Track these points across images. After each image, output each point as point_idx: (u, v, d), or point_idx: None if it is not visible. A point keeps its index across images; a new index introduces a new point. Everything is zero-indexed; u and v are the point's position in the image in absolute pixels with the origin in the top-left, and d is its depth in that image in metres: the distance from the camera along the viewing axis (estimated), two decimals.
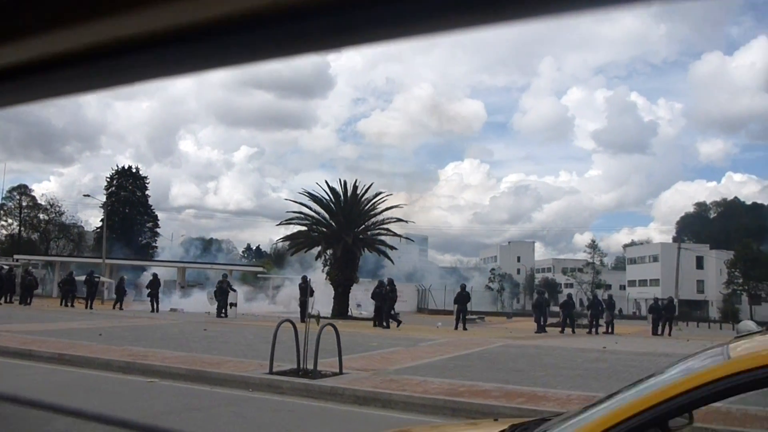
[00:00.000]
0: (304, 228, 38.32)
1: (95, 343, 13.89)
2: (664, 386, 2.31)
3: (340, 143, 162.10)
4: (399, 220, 37.92)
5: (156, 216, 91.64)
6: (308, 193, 37.12)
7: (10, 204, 63.50)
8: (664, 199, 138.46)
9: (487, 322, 38.86)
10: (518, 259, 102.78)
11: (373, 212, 37.06)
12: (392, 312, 26.51)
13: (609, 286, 67.94)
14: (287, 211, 39.25)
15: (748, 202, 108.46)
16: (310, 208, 37.33)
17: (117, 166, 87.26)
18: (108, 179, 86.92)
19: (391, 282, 28.04)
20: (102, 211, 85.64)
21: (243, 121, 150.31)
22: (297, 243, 38.83)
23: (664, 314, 29.51)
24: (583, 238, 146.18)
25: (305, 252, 39.93)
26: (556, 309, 34.60)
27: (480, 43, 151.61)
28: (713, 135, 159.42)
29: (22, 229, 63.57)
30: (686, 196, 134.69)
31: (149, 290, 29.06)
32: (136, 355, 12.08)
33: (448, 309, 45.72)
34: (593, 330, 27.57)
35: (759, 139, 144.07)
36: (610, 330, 27.95)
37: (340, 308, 35.29)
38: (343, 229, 35.94)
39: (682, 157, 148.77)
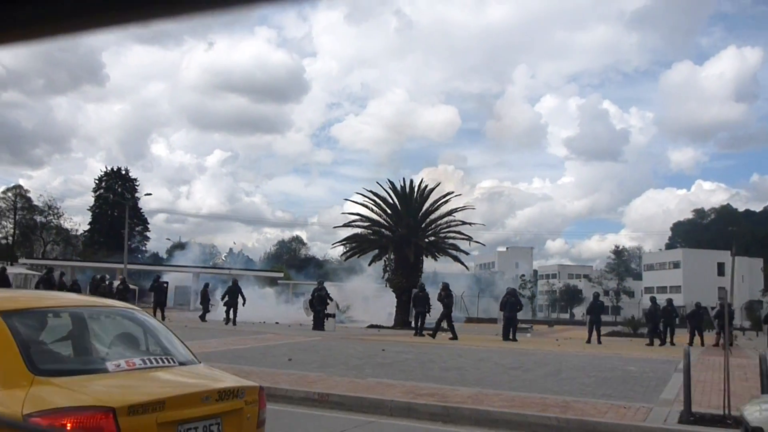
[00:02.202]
0: (361, 231, 35.24)
1: (315, 373, 10.76)
2: None
3: (314, 148, 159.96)
4: (463, 223, 34.99)
5: (146, 219, 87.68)
6: (373, 192, 34.12)
7: (2, 205, 58.62)
8: (635, 207, 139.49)
9: (536, 332, 35.81)
10: (516, 265, 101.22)
11: (441, 214, 34.20)
12: (448, 322, 23.28)
13: (632, 294, 66.16)
14: (342, 213, 36.31)
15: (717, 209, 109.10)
16: (372, 209, 34.32)
17: (106, 168, 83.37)
18: (96, 180, 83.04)
19: (446, 287, 24.84)
20: (90, 213, 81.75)
21: (216, 125, 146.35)
22: (354, 247, 35.60)
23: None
24: (554, 245, 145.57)
25: (358, 257, 36.81)
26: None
27: (455, 49, 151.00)
28: (683, 144, 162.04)
29: (17, 232, 58.83)
30: (657, 203, 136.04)
31: (226, 299, 25.33)
32: (429, 394, 8.96)
33: (491, 317, 42.97)
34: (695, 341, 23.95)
35: (727, 148, 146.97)
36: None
37: (404, 317, 32.37)
38: (413, 232, 33.07)
39: (653, 165, 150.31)
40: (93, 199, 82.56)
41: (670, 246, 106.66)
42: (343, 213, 36.07)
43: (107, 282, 25.77)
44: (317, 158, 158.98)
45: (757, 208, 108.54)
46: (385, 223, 34.53)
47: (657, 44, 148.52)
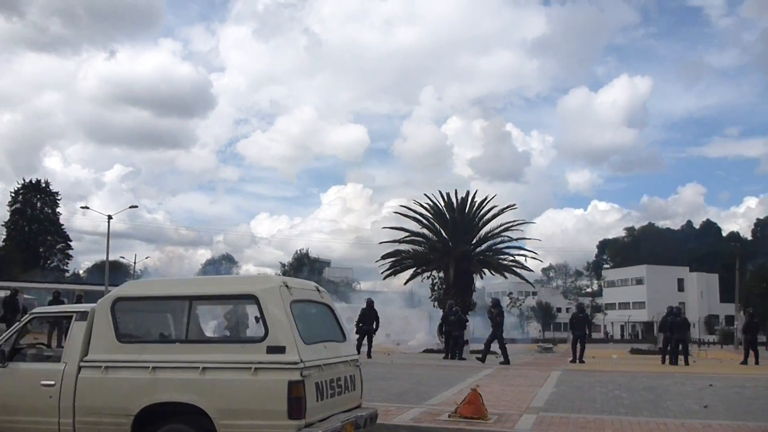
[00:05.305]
0: (404, 247, 32.04)
1: None
2: None
3: (220, 165, 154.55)
4: (512, 239, 32.55)
5: (68, 236, 79.67)
6: (423, 206, 31.13)
7: None
8: (535, 226, 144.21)
9: (556, 352, 32.55)
10: None
11: (493, 229, 31.64)
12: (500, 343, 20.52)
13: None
14: (383, 228, 33.09)
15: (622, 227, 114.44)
16: (423, 223, 31.29)
17: (24, 180, 75.29)
18: (12, 193, 74.84)
19: (497, 303, 22.10)
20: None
21: (116, 139, 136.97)
22: (394, 263, 32.29)
23: None
24: None
25: (394, 276, 33.49)
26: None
27: (365, 70, 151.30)
28: (580, 166, 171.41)
29: None
30: (555, 222, 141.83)
31: (360, 325, 20.14)
32: None
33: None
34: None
35: (620, 170, 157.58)
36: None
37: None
38: (471, 247, 30.37)
39: (552, 186, 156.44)
40: (8, 213, 74.58)
41: (597, 263, 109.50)
42: (384, 228, 32.83)
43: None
44: (223, 175, 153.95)
45: (667, 225, 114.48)
46: (434, 237, 31.61)
47: (556, 71, 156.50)
